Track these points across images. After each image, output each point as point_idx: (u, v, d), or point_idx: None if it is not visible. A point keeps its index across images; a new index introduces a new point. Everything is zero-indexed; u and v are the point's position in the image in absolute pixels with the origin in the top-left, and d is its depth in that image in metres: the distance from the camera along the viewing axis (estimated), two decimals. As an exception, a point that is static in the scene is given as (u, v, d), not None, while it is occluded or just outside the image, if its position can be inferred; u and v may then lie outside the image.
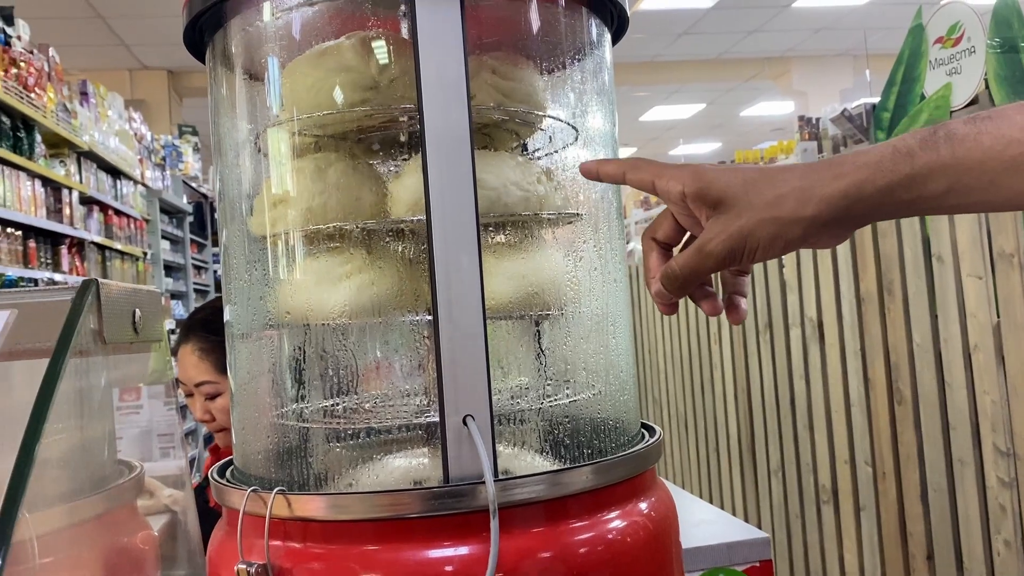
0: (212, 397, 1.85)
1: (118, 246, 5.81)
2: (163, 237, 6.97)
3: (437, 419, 0.73)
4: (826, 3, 8.56)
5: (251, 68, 0.88)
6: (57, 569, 0.76)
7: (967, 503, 2.09)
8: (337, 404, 0.86)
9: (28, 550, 0.67)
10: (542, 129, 0.90)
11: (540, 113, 0.89)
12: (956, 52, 2.64)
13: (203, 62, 0.91)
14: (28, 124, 4.43)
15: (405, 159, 0.85)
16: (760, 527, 3.13)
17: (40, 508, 0.71)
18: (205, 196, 8.75)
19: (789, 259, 2.82)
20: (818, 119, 6.40)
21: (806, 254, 2.70)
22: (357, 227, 0.81)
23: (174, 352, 1.93)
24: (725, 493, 3.43)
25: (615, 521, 0.77)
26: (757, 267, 3.04)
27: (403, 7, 0.80)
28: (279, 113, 0.86)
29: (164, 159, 7.81)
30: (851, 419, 2.53)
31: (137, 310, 0.82)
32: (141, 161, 6.71)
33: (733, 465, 3.33)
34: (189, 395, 1.90)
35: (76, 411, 0.78)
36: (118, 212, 5.93)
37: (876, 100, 3.41)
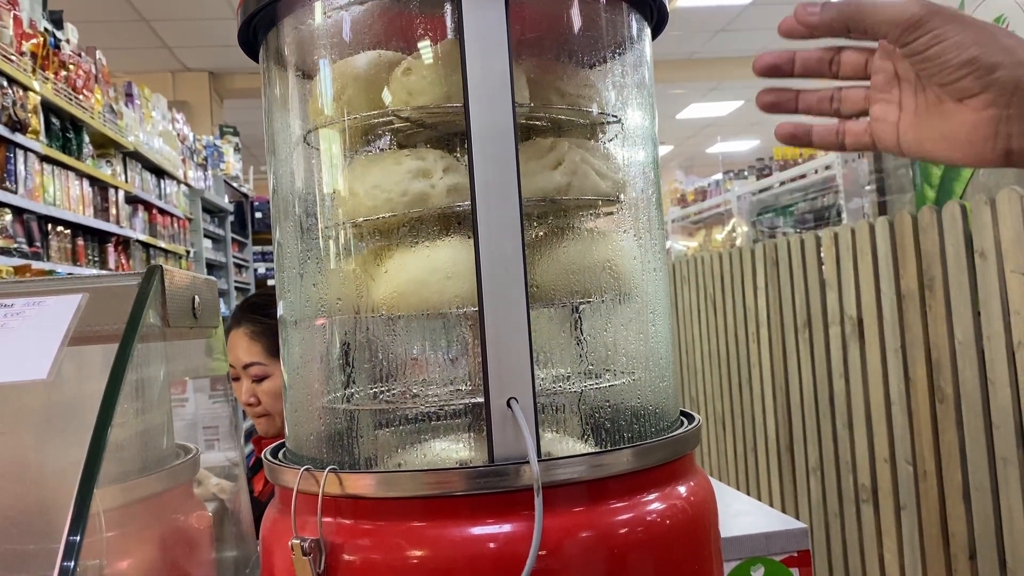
0: (260, 380, 1.89)
1: (162, 244, 5.93)
2: (205, 236, 7.11)
3: (482, 401, 0.75)
4: (867, -1, 8.44)
5: (303, 66, 0.91)
6: (120, 543, 0.80)
7: (1011, 503, 2.06)
8: (385, 388, 0.89)
9: (96, 524, 0.71)
10: (583, 122, 0.93)
11: (584, 109, 0.91)
12: (1000, 47, 2.61)
13: (256, 61, 0.94)
14: (76, 125, 4.55)
15: (456, 155, 0.88)
16: (798, 526, 3.11)
17: (105, 485, 0.75)
18: (246, 196, 8.88)
19: (828, 256, 2.80)
20: (858, 116, 6.31)
21: (846, 251, 2.68)
22: (408, 215, 0.84)
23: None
24: (763, 491, 3.41)
25: (654, 503, 0.78)
26: (796, 264, 3.02)
27: (449, 5, 0.83)
28: (329, 110, 0.89)
29: (206, 159, 7.96)
30: (891, 418, 2.52)
31: (196, 297, 0.86)
32: (184, 161, 6.84)
33: (772, 464, 3.31)
34: (236, 379, 1.94)
35: (139, 393, 0.82)
36: (162, 211, 6.06)
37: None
